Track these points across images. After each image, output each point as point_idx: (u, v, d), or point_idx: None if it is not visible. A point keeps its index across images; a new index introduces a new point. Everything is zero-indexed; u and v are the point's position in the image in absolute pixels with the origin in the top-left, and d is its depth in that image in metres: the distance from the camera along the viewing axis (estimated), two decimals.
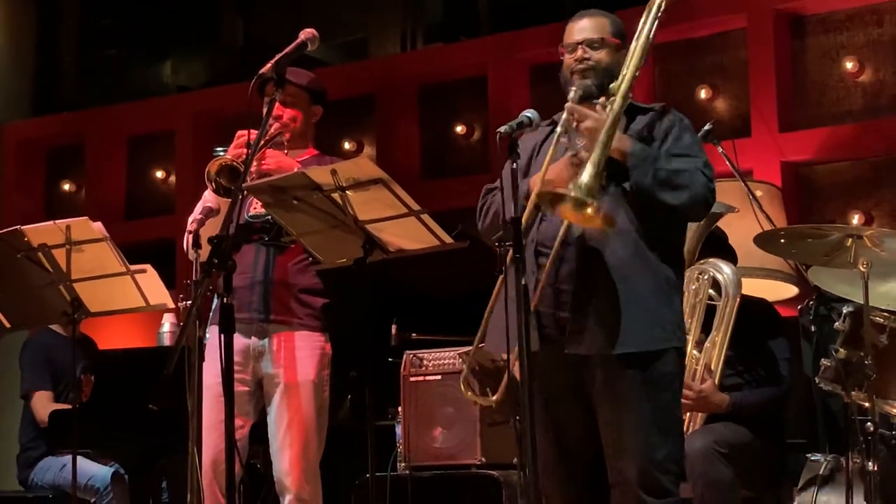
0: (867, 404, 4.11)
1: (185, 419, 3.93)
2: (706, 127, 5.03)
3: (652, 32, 3.49)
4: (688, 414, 4.48)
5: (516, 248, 3.21)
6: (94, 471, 5.81)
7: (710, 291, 4.57)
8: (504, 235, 3.25)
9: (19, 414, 6.14)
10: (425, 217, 3.66)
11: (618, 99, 3.38)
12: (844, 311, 4.27)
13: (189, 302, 3.85)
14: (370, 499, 3.68)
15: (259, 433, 4.25)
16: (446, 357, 5.08)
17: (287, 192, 3.71)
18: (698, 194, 3.41)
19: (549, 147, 3.45)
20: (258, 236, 4.23)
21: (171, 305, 4.51)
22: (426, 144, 8.00)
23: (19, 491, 6.12)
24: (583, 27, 3.60)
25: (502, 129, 3.33)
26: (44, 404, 5.92)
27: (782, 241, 4.25)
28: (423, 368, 5.12)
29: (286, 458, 4.14)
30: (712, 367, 4.49)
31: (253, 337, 4.18)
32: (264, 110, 3.82)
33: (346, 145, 8.10)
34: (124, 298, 4.38)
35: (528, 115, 3.44)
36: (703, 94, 6.99)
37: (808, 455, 4.60)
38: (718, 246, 4.74)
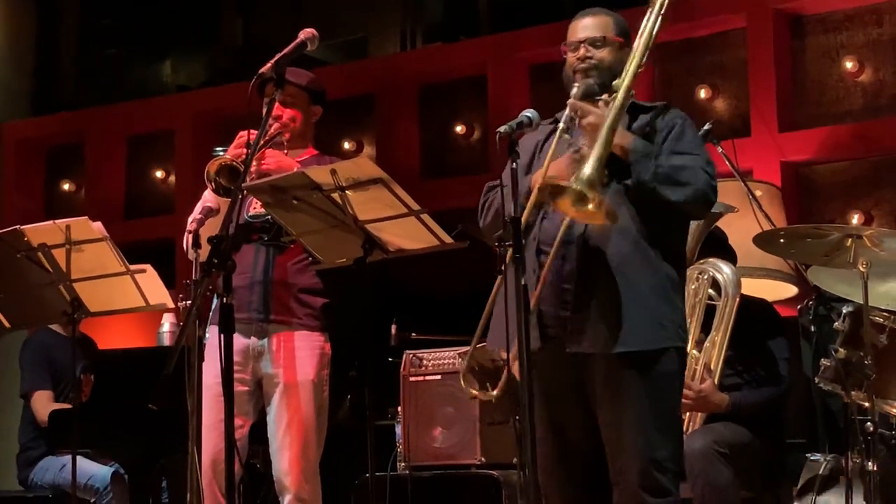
0: (867, 404, 4.11)
1: (184, 419, 3.93)
2: (706, 127, 5.03)
3: (655, 29, 3.48)
4: (687, 414, 4.48)
5: (516, 248, 3.21)
6: (94, 470, 5.81)
7: (710, 291, 4.57)
8: (504, 235, 3.25)
9: (19, 414, 6.14)
10: (425, 217, 3.66)
11: (620, 93, 3.38)
12: (844, 311, 4.27)
13: (189, 302, 3.85)
14: (370, 498, 3.68)
15: (259, 433, 4.25)
16: (446, 357, 5.08)
17: (287, 192, 3.71)
18: (699, 191, 3.41)
19: (552, 144, 3.45)
20: (258, 236, 4.23)
21: (171, 305, 4.51)
22: (426, 144, 8.00)
23: (19, 491, 6.12)
24: (586, 25, 3.60)
25: (502, 128, 3.34)
26: (44, 404, 5.92)
27: (782, 240, 4.25)
28: (423, 368, 5.12)
29: (286, 458, 4.14)
30: (712, 367, 4.49)
31: (252, 337, 4.18)
32: (264, 110, 3.82)
33: (346, 145, 8.10)
34: (124, 298, 4.38)
35: (528, 114, 3.44)
36: (702, 93, 6.99)
37: (808, 455, 4.60)
38: (718, 246, 4.74)
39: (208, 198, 4.20)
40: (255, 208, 4.24)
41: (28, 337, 6.43)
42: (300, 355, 4.17)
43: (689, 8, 6.77)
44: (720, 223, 4.77)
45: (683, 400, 3.90)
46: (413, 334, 5.51)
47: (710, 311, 4.55)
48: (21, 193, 9.05)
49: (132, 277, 4.31)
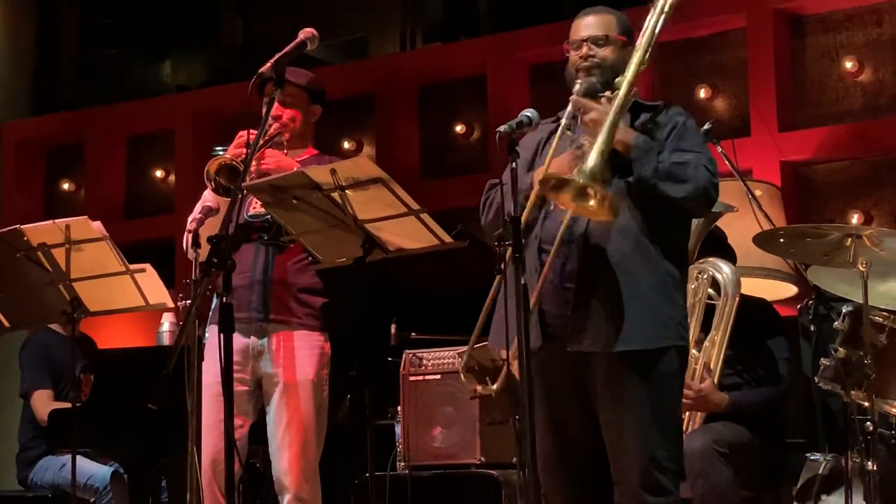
0: (866, 404, 4.11)
1: (184, 419, 3.93)
2: (705, 126, 5.03)
3: (658, 26, 3.48)
4: (687, 413, 4.48)
5: (516, 247, 3.21)
6: (94, 470, 5.81)
7: (710, 291, 4.57)
8: (503, 234, 3.25)
9: (19, 413, 6.14)
10: (425, 216, 3.66)
11: (622, 89, 3.38)
12: (844, 311, 4.27)
13: (188, 301, 3.85)
14: (369, 498, 3.68)
15: (258, 433, 4.25)
16: (446, 356, 5.08)
17: (286, 192, 3.71)
18: (700, 188, 3.40)
19: (554, 141, 3.45)
20: (257, 235, 4.23)
21: (171, 305, 4.51)
22: (426, 144, 8.00)
23: (19, 490, 6.12)
24: (588, 24, 3.60)
25: (502, 128, 3.34)
26: (44, 403, 5.92)
27: (782, 240, 4.25)
28: (423, 368, 5.12)
29: (285, 458, 4.14)
30: (711, 367, 4.49)
31: (252, 336, 4.18)
32: (263, 110, 3.82)
33: (346, 145, 8.10)
34: (124, 298, 4.38)
35: (528, 114, 3.44)
36: (702, 93, 6.99)
37: (808, 455, 4.59)
38: (717, 245, 4.74)
39: (208, 197, 4.20)
40: (254, 208, 4.24)
41: (28, 336, 6.44)
42: (300, 355, 4.17)
43: (689, 8, 6.75)
44: (720, 223, 4.77)
45: (683, 399, 3.90)
46: (413, 334, 5.51)
47: (709, 311, 4.55)
48: (21, 193, 9.05)
49: (132, 277, 4.31)
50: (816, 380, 4.32)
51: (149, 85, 9.59)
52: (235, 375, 3.65)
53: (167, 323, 6.67)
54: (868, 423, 4.09)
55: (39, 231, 4.26)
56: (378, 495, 3.86)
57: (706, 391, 4.45)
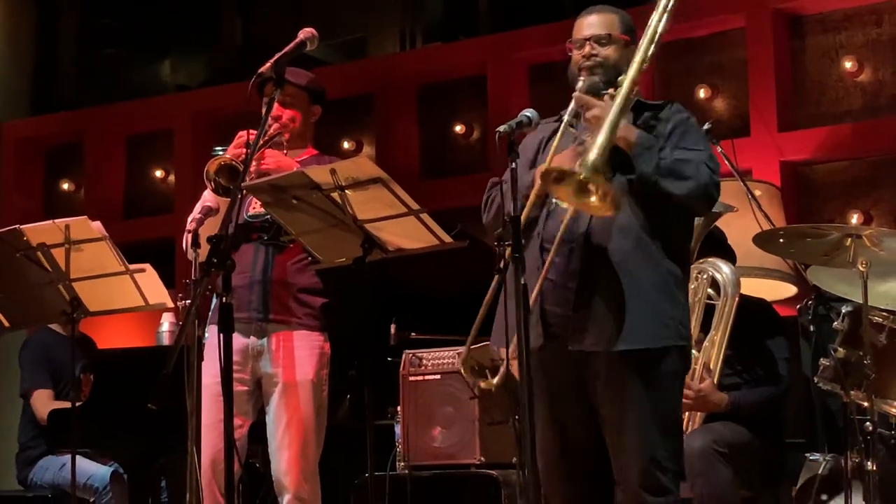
0: (866, 404, 4.11)
1: (184, 419, 3.93)
2: (705, 126, 5.01)
3: (662, 24, 3.48)
4: (686, 413, 4.48)
5: (515, 247, 3.21)
6: (94, 470, 5.81)
7: (709, 291, 4.57)
8: (503, 234, 3.25)
9: (19, 413, 6.14)
10: (424, 216, 3.66)
11: (625, 85, 3.38)
12: (843, 311, 4.27)
13: (188, 301, 3.86)
14: (369, 498, 3.68)
15: (258, 433, 4.25)
16: (445, 356, 5.08)
17: (286, 192, 3.71)
18: (702, 185, 3.40)
19: (556, 138, 3.45)
20: (257, 235, 4.23)
21: (171, 305, 4.51)
22: (425, 144, 8.00)
23: (18, 490, 6.12)
24: (591, 23, 3.60)
25: (501, 128, 3.34)
26: (44, 402, 5.92)
27: (781, 240, 4.25)
28: (423, 368, 5.12)
29: (285, 458, 4.14)
30: (711, 367, 4.49)
31: (252, 336, 4.18)
32: (263, 110, 3.82)
33: (346, 145, 8.10)
34: (123, 298, 4.39)
35: (528, 114, 3.44)
36: (702, 93, 6.99)
37: (807, 455, 4.60)
38: (717, 245, 4.74)
39: (208, 197, 4.20)
40: (254, 208, 4.24)
41: (28, 336, 6.44)
42: (299, 355, 4.17)
43: (688, 8, 6.76)
44: (719, 223, 4.77)
45: (683, 399, 3.90)
46: (412, 334, 5.50)
47: (709, 311, 4.55)
48: (20, 193, 9.05)
49: (131, 277, 4.31)
50: (816, 380, 4.32)
51: (148, 85, 9.59)
52: (235, 375, 3.65)
53: (167, 323, 6.67)
54: (867, 423, 4.09)
55: (39, 231, 4.26)
56: (378, 495, 3.86)
57: (706, 391, 4.45)
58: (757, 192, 5.31)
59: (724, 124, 6.74)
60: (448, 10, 8.73)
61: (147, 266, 4.36)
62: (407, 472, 5.05)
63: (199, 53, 9.70)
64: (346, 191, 3.63)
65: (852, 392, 4.16)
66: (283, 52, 3.78)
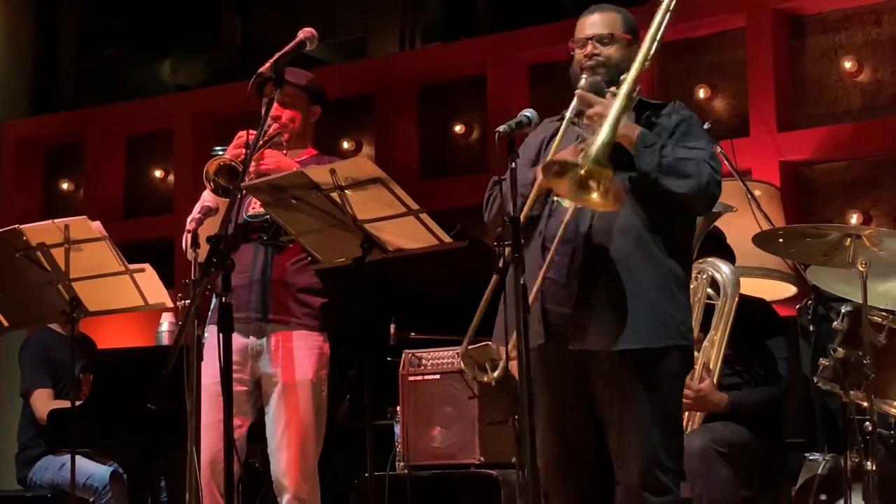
0: (865, 404, 4.11)
1: (183, 418, 3.93)
2: (704, 126, 5.02)
3: (665, 23, 3.48)
4: (686, 413, 4.48)
5: (515, 248, 3.21)
6: (93, 470, 5.81)
7: (709, 290, 4.58)
8: (503, 234, 3.25)
9: (18, 413, 6.14)
10: (424, 216, 3.66)
11: (627, 82, 3.38)
12: (843, 311, 4.27)
13: (188, 301, 3.85)
14: (369, 498, 3.68)
15: (258, 433, 4.25)
16: (445, 356, 5.08)
17: (286, 192, 3.71)
18: (703, 184, 3.39)
19: (558, 135, 3.45)
20: (257, 235, 4.23)
21: (170, 305, 4.51)
22: (425, 144, 8.00)
23: (18, 490, 6.12)
24: (593, 22, 3.59)
25: (501, 128, 3.34)
26: (44, 402, 5.92)
27: (781, 240, 4.25)
28: (422, 368, 5.12)
29: (284, 458, 4.14)
30: (711, 367, 4.49)
31: (251, 336, 4.18)
32: (263, 110, 3.82)
33: (345, 144, 8.10)
34: (123, 297, 4.39)
35: (527, 114, 3.44)
36: (701, 93, 6.99)
37: (807, 454, 4.60)
38: (716, 245, 4.74)
39: (207, 197, 4.20)
40: (254, 208, 4.24)
41: (27, 336, 6.43)
42: (299, 355, 4.17)
43: (688, 8, 6.75)
44: (719, 223, 4.77)
45: (682, 399, 3.90)
46: (412, 334, 5.50)
47: (708, 311, 4.55)
48: (20, 193, 9.05)
49: (131, 277, 4.32)
50: (815, 380, 4.32)
51: (148, 85, 9.59)
52: (234, 375, 3.65)
53: (166, 323, 6.67)
54: (867, 423, 4.09)
55: (38, 231, 4.26)
56: (377, 495, 3.86)
57: (705, 391, 4.45)
58: (756, 192, 5.31)
59: (724, 124, 6.74)
60: (448, 10, 8.73)
61: (146, 266, 4.36)
62: (406, 472, 5.05)
63: (199, 53, 9.71)
64: (346, 191, 3.63)
65: (852, 392, 4.16)
66: (282, 52, 3.78)
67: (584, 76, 3.52)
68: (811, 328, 4.74)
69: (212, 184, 4.04)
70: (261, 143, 4.03)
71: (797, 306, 5.17)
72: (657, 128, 3.50)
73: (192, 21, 9.40)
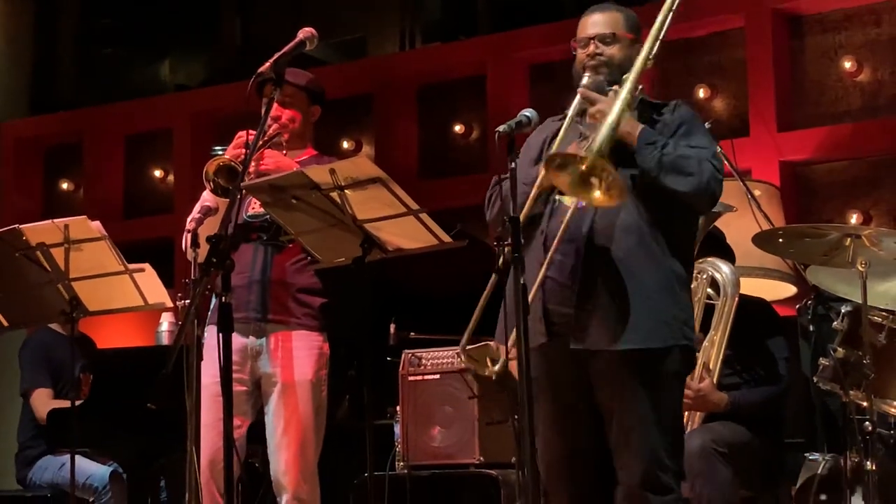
0: (865, 404, 4.11)
1: (183, 418, 3.93)
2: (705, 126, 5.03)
3: (668, 21, 3.48)
4: (686, 413, 4.48)
5: (515, 248, 3.21)
6: (93, 470, 5.81)
7: (709, 290, 4.58)
8: (503, 234, 3.25)
9: (18, 413, 6.14)
10: (424, 216, 3.66)
11: (630, 79, 3.38)
12: (843, 311, 4.27)
13: (187, 301, 3.85)
14: (368, 498, 3.68)
15: (257, 433, 4.25)
16: (445, 356, 5.08)
17: (286, 192, 3.71)
18: (704, 182, 3.39)
19: (560, 132, 3.45)
20: (256, 235, 4.23)
21: (170, 304, 4.51)
22: (425, 144, 8.00)
23: (18, 490, 6.12)
24: (595, 22, 3.58)
25: (501, 128, 3.33)
26: (43, 401, 5.92)
27: (781, 240, 4.25)
28: (422, 367, 5.12)
29: (284, 458, 4.14)
30: (711, 366, 4.49)
31: (251, 336, 4.18)
32: (262, 110, 3.82)
33: (345, 144, 8.10)
34: (123, 297, 4.39)
35: (527, 114, 3.44)
36: (701, 93, 6.99)
37: (807, 454, 4.60)
38: (716, 245, 4.74)
39: (207, 197, 4.20)
40: (253, 208, 4.23)
41: (27, 336, 6.44)
42: (298, 355, 4.17)
43: (688, 8, 6.72)
44: (719, 223, 4.77)
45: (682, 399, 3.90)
46: (412, 333, 5.50)
47: (708, 311, 4.55)
48: (20, 193, 9.06)
49: (131, 276, 4.31)
50: (815, 380, 4.32)
51: (148, 84, 9.59)
52: (234, 375, 3.65)
53: (166, 322, 6.67)
54: (867, 422, 4.09)
55: (38, 231, 4.26)
56: (377, 495, 3.87)
57: (705, 391, 4.45)
58: (756, 192, 5.31)
59: (724, 124, 6.74)
60: (447, 10, 8.73)
61: (146, 266, 4.36)
62: (406, 471, 5.05)
63: (198, 53, 9.71)
64: (346, 191, 3.63)
65: (851, 392, 4.16)
66: (282, 51, 3.77)
67: (586, 75, 3.51)
68: (811, 328, 4.75)
69: (211, 184, 4.04)
70: (260, 143, 4.02)
71: (797, 306, 5.17)
72: (659, 126, 3.49)
73: (192, 21, 9.40)
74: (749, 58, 6.83)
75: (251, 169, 4.00)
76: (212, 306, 4.17)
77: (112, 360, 5.98)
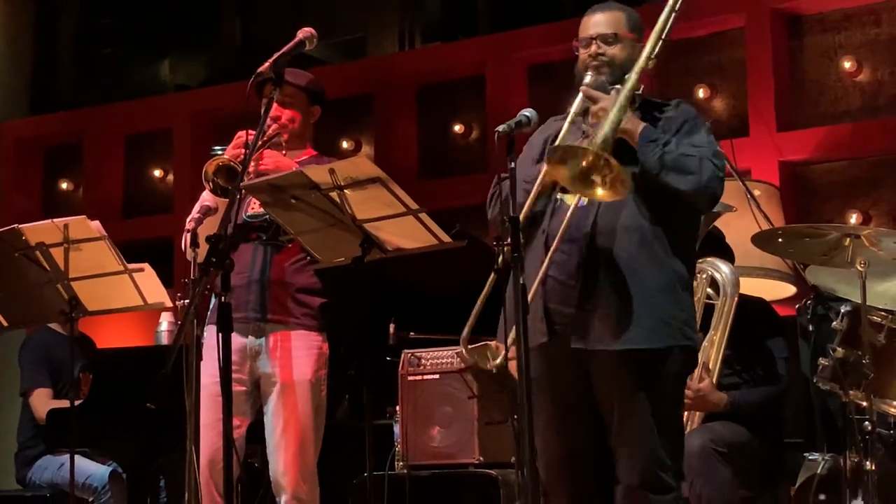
0: (865, 403, 4.11)
1: (182, 418, 3.93)
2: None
3: (670, 21, 3.48)
4: (686, 413, 4.48)
5: (515, 248, 3.21)
6: (92, 470, 5.81)
7: (708, 290, 4.58)
8: (503, 234, 3.25)
9: (18, 413, 6.14)
10: (423, 216, 3.66)
11: (632, 78, 3.37)
12: (842, 311, 4.28)
13: (187, 301, 3.85)
14: (368, 498, 3.68)
15: (257, 433, 4.25)
16: (444, 356, 5.08)
17: (285, 191, 3.71)
18: (705, 181, 3.38)
19: (562, 130, 3.45)
20: (256, 235, 4.23)
21: (169, 304, 4.52)
22: (424, 143, 8.00)
23: (17, 490, 6.12)
24: (597, 21, 3.58)
25: (501, 128, 3.33)
26: (43, 401, 5.92)
27: (780, 240, 4.25)
28: (421, 367, 5.12)
29: (283, 458, 4.14)
30: (710, 366, 4.49)
31: (250, 336, 4.18)
32: (262, 110, 3.82)
33: (345, 144, 8.10)
34: (122, 297, 4.39)
35: (527, 114, 3.44)
36: (701, 93, 6.99)
37: (806, 454, 4.60)
38: (715, 245, 4.74)
39: (207, 197, 4.20)
40: (253, 208, 4.23)
41: (27, 336, 6.44)
42: (297, 355, 4.17)
43: (687, 7, 6.74)
44: (718, 222, 4.77)
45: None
46: (411, 333, 5.50)
47: (708, 311, 4.55)
48: (19, 192, 9.06)
49: (130, 276, 4.32)
50: (815, 379, 4.32)
51: (147, 84, 9.60)
52: (233, 375, 3.65)
53: (166, 322, 6.67)
54: (866, 422, 4.09)
55: (38, 230, 4.26)
56: (376, 495, 3.87)
57: (705, 391, 4.45)
58: (756, 192, 5.31)
59: (723, 124, 6.74)
60: (447, 10, 8.73)
61: (146, 265, 4.36)
62: (406, 471, 5.05)
63: (198, 53, 9.71)
64: (345, 190, 3.62)
65: (851, 392, 4.16)
66: (282, 51, 3.77)
67: (588, 75, 3.51)
68: (810, 328, 4.74)
69: (211, 184, 4.04)
70: (260, 143, 4.02)
71: (797, 306, 5.17)
72: (661, 124, 3.49)
73: (192, 21, 9.40)
74: (749, 58, 6.83)
75: (250, 169, 4.00)
76: (211, 306, 4.17)
77: (112, 360, 5.98)
